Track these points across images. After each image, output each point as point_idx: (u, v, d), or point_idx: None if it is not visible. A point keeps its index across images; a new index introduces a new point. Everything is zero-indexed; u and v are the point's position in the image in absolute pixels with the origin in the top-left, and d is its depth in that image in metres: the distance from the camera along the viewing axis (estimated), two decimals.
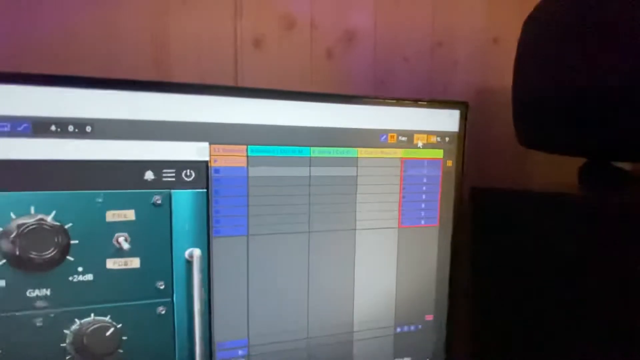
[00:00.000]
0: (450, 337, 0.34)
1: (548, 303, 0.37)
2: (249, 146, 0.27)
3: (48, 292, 0.24)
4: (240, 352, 0.28)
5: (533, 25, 0.42)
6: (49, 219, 0.24)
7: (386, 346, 0.32)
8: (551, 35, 0.39)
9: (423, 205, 0.31)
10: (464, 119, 0.31)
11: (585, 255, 0.34)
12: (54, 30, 0.43)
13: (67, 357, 0.25)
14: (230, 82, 0.54)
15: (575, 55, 0.34)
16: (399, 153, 0.30)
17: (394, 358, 0.33)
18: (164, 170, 0.25)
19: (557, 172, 0.48)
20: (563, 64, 0.35)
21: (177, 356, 0.27)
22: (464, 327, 0.38)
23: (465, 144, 0.33)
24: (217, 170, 0.26)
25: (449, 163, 0.32)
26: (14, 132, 0.23)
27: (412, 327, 0.33)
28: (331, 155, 0.29)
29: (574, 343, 0.33)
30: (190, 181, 0.26)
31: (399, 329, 0.33)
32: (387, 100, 0.30)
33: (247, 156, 0.27)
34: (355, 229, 0.30)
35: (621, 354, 0.30)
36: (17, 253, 0.23)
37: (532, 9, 0.42)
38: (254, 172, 0.27)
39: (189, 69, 0.50)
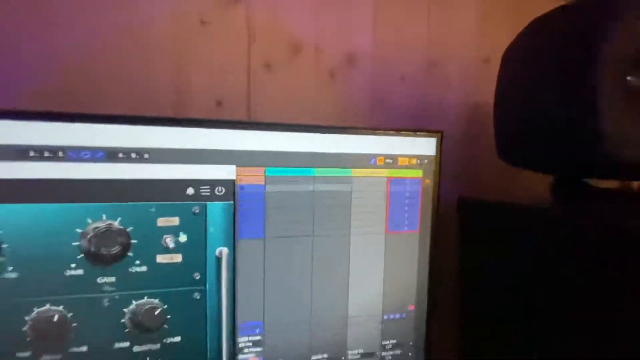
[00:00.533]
0: (429, 324, 0.41)
1: (522, 303, 0.42)
2: (266, 168, 0.34)
3: (113, 279, 0.31)
4: (257, 331, 0.35)
5: (510, 57, 0.48)
6: (116, 223, 0.31)
7: (375, 330, 0.39)
8: (525, 68, 0.45)
9: (406, 215, 0.38)
10: (439, 144, 0.38)
11: (555, 262, 0.40)
12: (93, 66, 0.50)
13: (126, 330, 0.32)
14: (243, 102, 0.61)
15: (546, 86, 0.40)
16: (385, 173, 0.37)
17: (382, 340, 0.39)
18: (201, 187, 0.32)
19: (542, 183, 0.54)
20: (535, 94, 0.41)
21: (208, 332, 0.34)
22: (442, 316, 0.44)
23: (441, 164, 0.39)
24: (241, 187, 0.33)
25: (427, 181, 0.38)
26: (92, 159, 0.30)
27: (397, 315, 0.39)
28: (331, 174, 0.35)
29: (556, 345, 0.38)
30: (221, 195, 0.33)
31: (385, 317, 0.39)
32: (376, 130, 0.37)
33: (265, 176, 0.34)
34: (350, 234, 0.37)
35: (599, 351, 0.35)
36: (92, 249, 0.30)
37: (511, 42, 0.48)
38: (270, 188, 0.34)
39: (207, 90, 0.57)
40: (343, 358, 0.38)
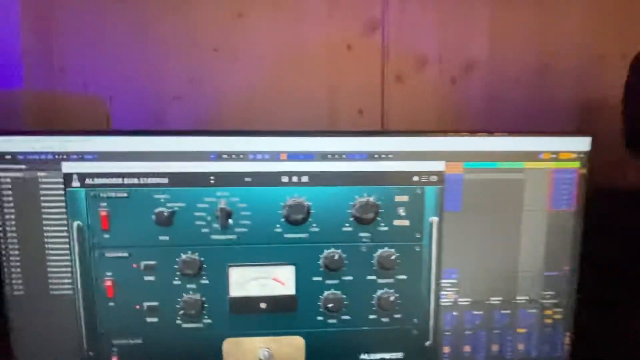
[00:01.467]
0: (581, 281, 0.51)
1: None
2: (464, 163, 0.48)
3: (369, 234, 0.48)
4: (454, 276, 0.50)
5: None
6: (372, 199, 0.47)
7: (538, 283, 0.51)
8: None
9: (564, 197, 0.49)
10: (592, 142, 0.48)
11: None
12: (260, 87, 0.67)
13: (373, 268, 0.49)
14: (379, 110, 0.75)
15: None
16: (550, 165, 0.48)
17: (542, 291, 0.51)
18: (422, 176, 0.48)
19: None
20: None
21: (422, 274, 0.49)
22: (588, 276, 0.54)
23: (592, 158, 0.49)
24: (448, 176, 0.48)
25: (582, 170, 0.49)
26: (360, 159, 0.46)
27: (555, 273, 0.51)
28: (508, 166, 0.48)
29: None
30: (435, 181, 0.48)
31: (546, 273, 0.51)
32: (542, 133, 0.48)
33: (463, 168, 0.48)
34: (522, 210, 0.49)
35: None
36: (357, 215, 0.47)
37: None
38: (466, 176, 0.48)
39: (351, 101, 0.72)
40: (513, 301, 0.51)
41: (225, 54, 0.67)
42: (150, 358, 0.49)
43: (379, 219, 0.48)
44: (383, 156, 0.47)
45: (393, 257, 0.49)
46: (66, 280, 0.47)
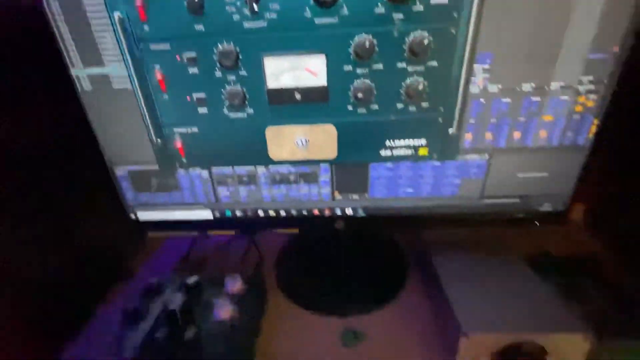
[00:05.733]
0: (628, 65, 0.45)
1: None
2: None
3: (401, 16, 0.43)
4: (487, 60, 0.45)
5: None
6: None
7: (580, 65, 0.46)
8: None
9: None
10: None
11: None
12: None
13: (404, 54, 0.46)
14: None
15: None
16: None
17: (583, 75, 0.46)
18: None
19: None
20: None
21: (454, 59, 0.45)
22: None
23: None
24: None
25: None
26: None
27: (601, 55, 0.45)
28: None
29: None
30: None
31: (590, 55, 0.45)
32: None
33: None
34: None
35: None
36: None
37: None
38: None
39: None
40: (546, 87, 0.48)
41: None
42: (207, 144, 0.54)
43: None
44: None
45: (426, 41, 0.45)
46: (124, 73, 0.50)
